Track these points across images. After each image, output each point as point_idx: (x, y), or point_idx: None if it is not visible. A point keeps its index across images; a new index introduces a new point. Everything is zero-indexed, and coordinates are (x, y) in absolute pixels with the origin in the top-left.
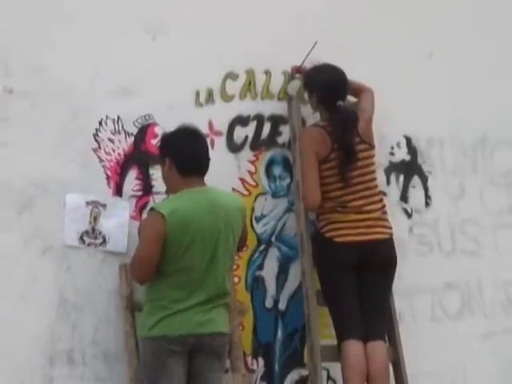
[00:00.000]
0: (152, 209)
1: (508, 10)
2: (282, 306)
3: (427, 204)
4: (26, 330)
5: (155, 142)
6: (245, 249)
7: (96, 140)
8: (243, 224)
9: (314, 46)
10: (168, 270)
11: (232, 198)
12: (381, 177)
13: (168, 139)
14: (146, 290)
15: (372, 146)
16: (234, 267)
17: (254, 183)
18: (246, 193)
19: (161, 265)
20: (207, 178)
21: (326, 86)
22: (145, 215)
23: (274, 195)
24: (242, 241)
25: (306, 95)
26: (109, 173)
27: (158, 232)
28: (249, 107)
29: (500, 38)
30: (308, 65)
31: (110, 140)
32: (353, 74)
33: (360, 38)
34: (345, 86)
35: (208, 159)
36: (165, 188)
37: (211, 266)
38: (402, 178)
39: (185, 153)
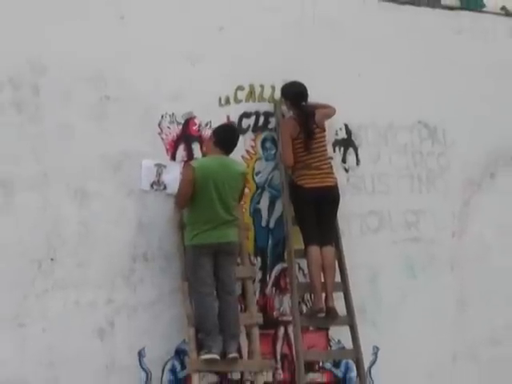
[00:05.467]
0: (188, 164)
1: (408, 42)
2: (271, 225)
3: (357, 164)
4: (117, 240)
5: (195, 127)
6: (248, 191)
7: (159, 127)
8: (243, 183)
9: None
10: (197, 204)
11: (239, 164)
12: (330, 148)
13: (219, 125)
14: (187, 217)
15: (324, 130)
16: (242, 203)
17: (254, 152)
18: (249, 158)
19: (193, 199)
20: None
21: (295, 95)
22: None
23: (266, 159)
24: (241, 194)
25: (283, 100)
26: (167, 147)
27: (189, 177)
28: (251, 107)
29: (404, 64)
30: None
31: (168, 127)
32: (312, 86)
33: (316, 63)
34: (306, 93)
35: (234, 144)
36: (200, 156)
37: (222, 202)
38: (342, 148)
39: (223, 132)
